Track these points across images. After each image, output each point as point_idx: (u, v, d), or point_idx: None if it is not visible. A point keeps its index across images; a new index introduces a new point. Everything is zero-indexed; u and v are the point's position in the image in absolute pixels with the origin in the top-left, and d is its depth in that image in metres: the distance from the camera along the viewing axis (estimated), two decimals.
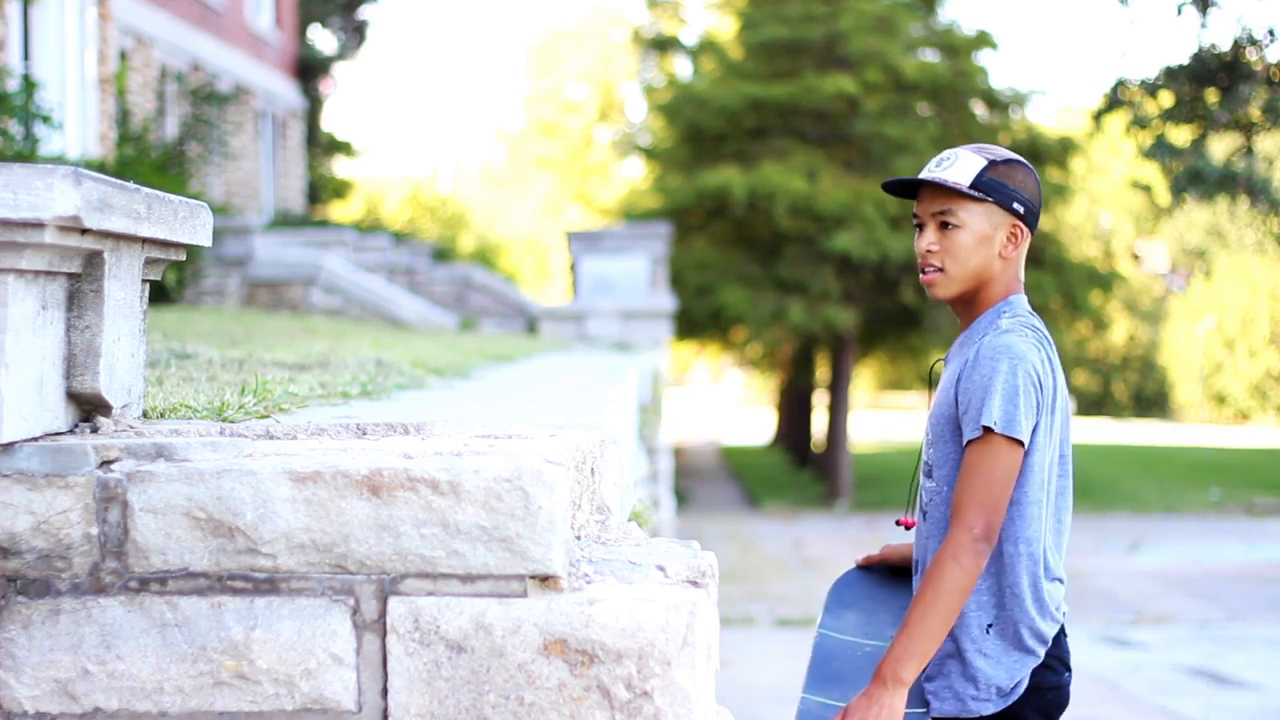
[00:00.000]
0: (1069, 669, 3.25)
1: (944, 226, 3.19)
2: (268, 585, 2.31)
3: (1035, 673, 3.18)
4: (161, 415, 2.91)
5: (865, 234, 24.64)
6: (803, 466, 32.81)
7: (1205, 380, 55.17)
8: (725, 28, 31.62)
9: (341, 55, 32.33)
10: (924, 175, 3.22)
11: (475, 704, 2.29)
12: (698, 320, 26.57)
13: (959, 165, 3.19)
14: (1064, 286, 26.46)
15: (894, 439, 43.80)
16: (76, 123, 14.38)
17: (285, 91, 27.19)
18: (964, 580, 3.04)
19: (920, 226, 3.23)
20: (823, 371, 30.12)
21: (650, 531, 5.23)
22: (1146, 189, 26.54)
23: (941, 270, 3.20)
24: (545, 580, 2.29)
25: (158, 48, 20.98)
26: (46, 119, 11.91)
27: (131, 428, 2.58)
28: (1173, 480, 30.10)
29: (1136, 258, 46.49)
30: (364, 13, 33.11)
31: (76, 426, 2.55)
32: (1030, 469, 3.15)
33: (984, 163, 3.18)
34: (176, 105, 21.26)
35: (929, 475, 3.26)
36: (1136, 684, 10.23)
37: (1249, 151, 24.43)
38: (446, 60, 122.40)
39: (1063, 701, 3.24)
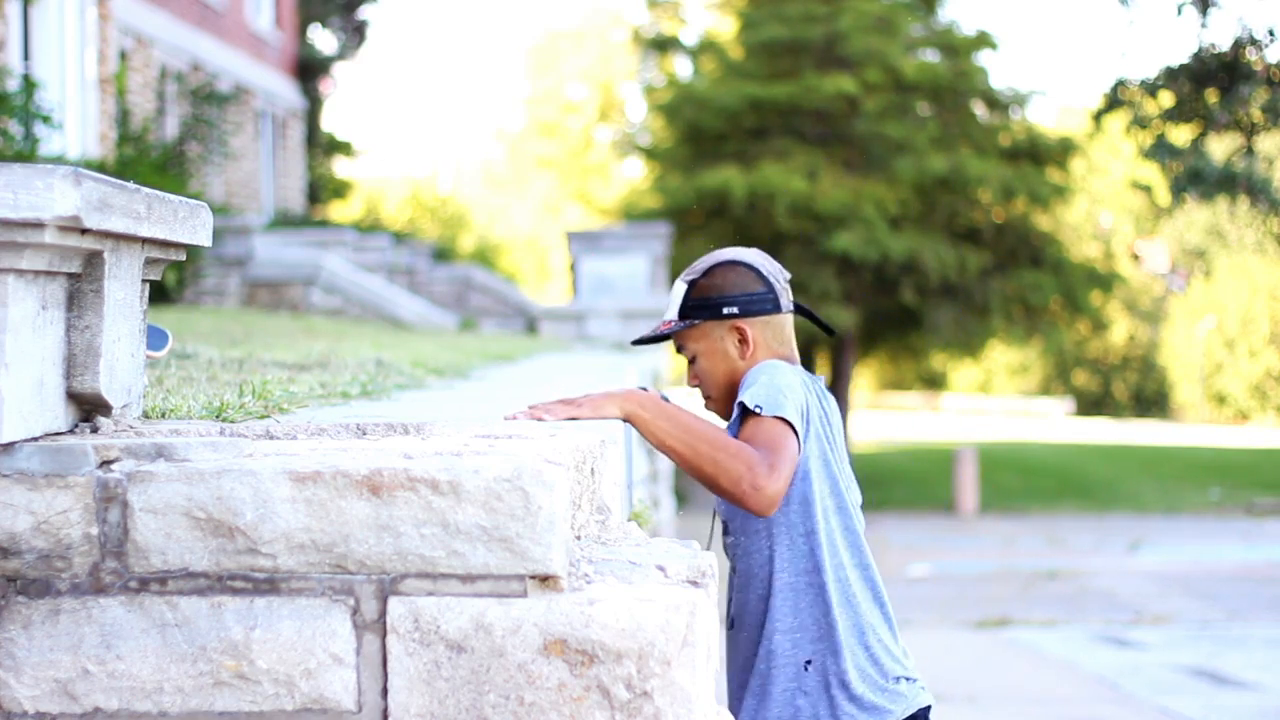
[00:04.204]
0: None
1: (692, 361, 3.29)
2: (268, 585, 2.31)
3: None
4: (162, 415, 2.91)
5: (865, 234, 24.64)
6: None
7: (1205, 380, 55.16)
8: (725, 28, 31.62)
9: (341, 55, 32.34)
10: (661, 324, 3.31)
11: (475, 704, 2.29)
12: None
13: (673, 299, 3.28)
14: (1064, 286, 26.45)
15: (894, 439, 43.81)
16: (76, 123, 14.38)
17: (285, 91, 27.19)
18: (729, 457, 2.91)
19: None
20: (823, 371, 30.14)
21: (650, 531, 5.23)
22: (1146, 189, 26.54)
23: (708, 394, 3.29)
24: (545, 580, 2.29)
25: (158, 48, 20.98)
26: (46, 119, 11.91)
27: (131, 428, 2.58)
28: (1173, 480, 30.10)
29: (1136, 258, 46.50)
30: (364, 13, 33.12)
31: (76, 426, 2.55)
32: (811, 498, 3.12)
33: (684, 287, 3.25)
34: (176, 105, 21.26)
35: (726, 531, 3.26)
36: (1136, 684, 10.23)
37: (1249, 151, 24.42)
38: (446, 60, 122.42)
39: None
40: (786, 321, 3.29)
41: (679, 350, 3.30)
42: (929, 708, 3.23)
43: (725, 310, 3.21)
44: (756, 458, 2.92)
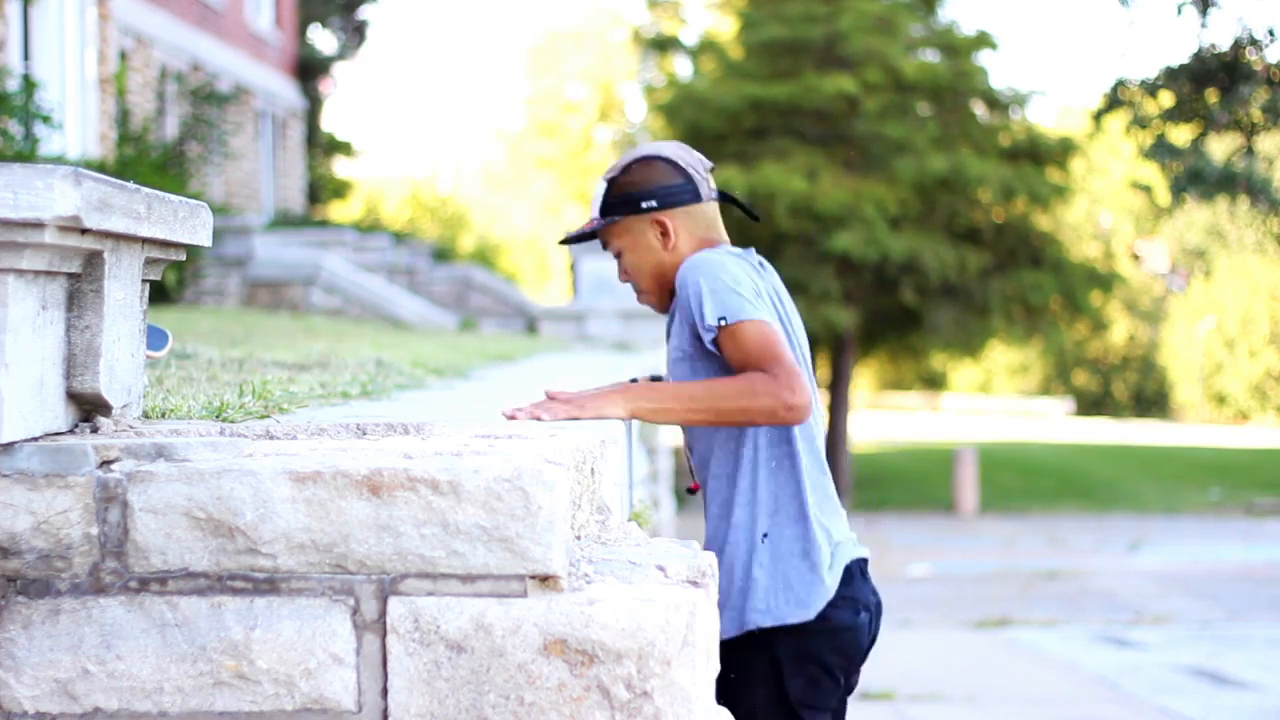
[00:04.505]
0: (866, 610, 3.28)
1: (618, 255, 3.35)
2: (268, 585, 2.31)
3: (829, 612, 3.21)
4: (162, 415, 2.91)
5: (865, 234, 24.64)
6: None
7: (1205, 380, 55.17)
8: (725, 28, 31.62)
9: (341, 55, 32.34)
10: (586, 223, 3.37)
11: (475, 704, 2.29)
12: None
13: (595, 198, 3.34)
14: (1064, 286, 26.44)
15: (894, 439, 43.81)
16: (76, 123, 14.38)
17: (285, 91, 27.19)
18: (750, 398, 3.01)
19: None
20: (823, 371, 30.14)
21: (650, 531, 5.23)
22: (1146, 189, 26.54)
23: (639, 289, 3.36)
24: (545, 580, 2.29)
25: (158, 48, 20.98)
26: (46, 119, 11.90)
27: (131, 428, 2.58)
28: (1173, 480, 30.10)
29: (1136, 258, 46.51)
30: (364, 13, 33.11)
31: (76, 426, 2.55)
32: None
33: (604, 185, 3.32)
34: (176, 105, 21.26)
35: (685, 439, 3.39)
36: (1136, 684, 10.23)
37: (1249, 151, 24.42)
38: (446, 60, 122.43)
39: (860, 644, 3.28)
40: (709, 209, 3.34)
41: (605, 247, 3.36)
42: (865, 560, 3.33)
43: (644, 204, 3.27)
44: (774, 384, 3.01)
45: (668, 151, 3.32)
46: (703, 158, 3.37)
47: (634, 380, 3.33)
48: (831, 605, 3.21)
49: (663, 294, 3.33)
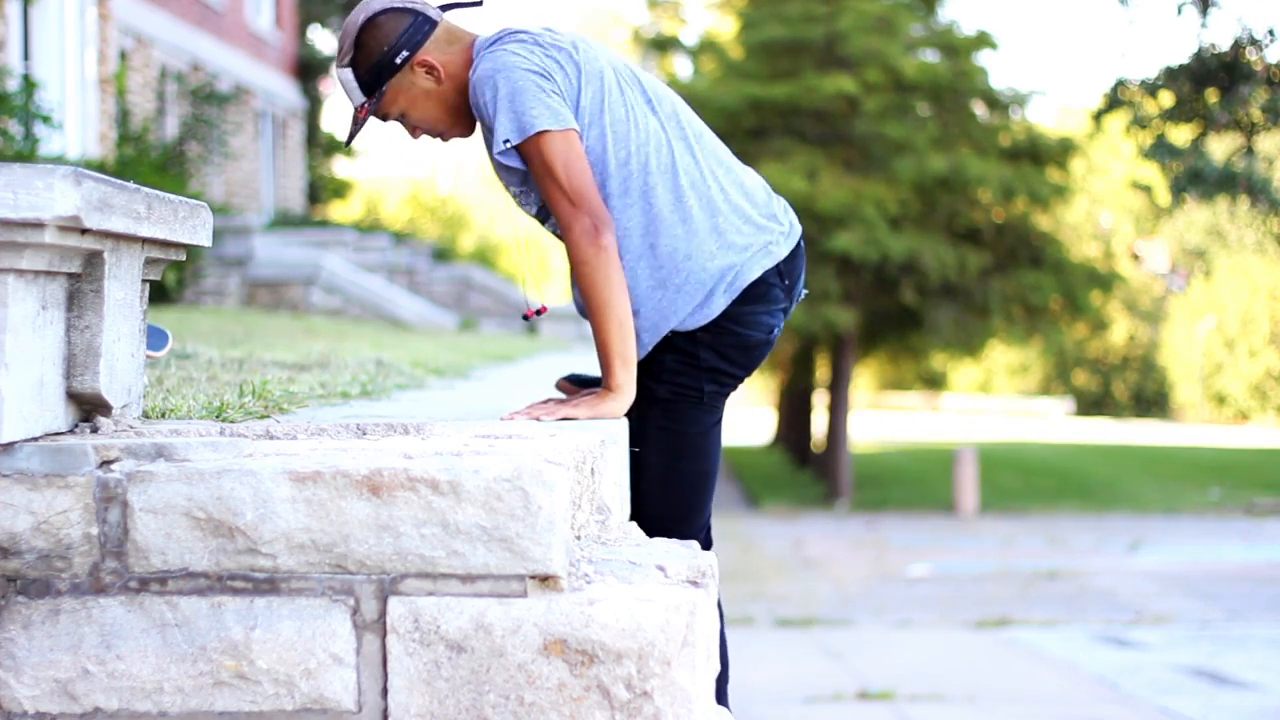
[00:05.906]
0: (776, 328, 3.35)
1: (402, 119, 3.29)
2: (268, 585, 2.31)
3: (738, 329, 3.27)
4: (161, 415, 2.91)
5: (865, 234, 24.63)
6: (803, 466, 32.81)
7: (1205, 380, 55.18)
8: (725, 28, 31.62)
9: None
10: (354, 114, 3.30)
11: (475, 704, 2.29)
12: None
13: (349, 88, 3.26)
14: (1064, 286, 26.43)
15: (894, 439, 43.81)
16: (76, 123, 14.38)
17: (285, 91, 27.19)
18: (603, 265, 3.08)
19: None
20: (823, 371, 30.14)
21: None
22: (1146, 189, 26.53)
23: (439, 134, 3.32)
24: (545, 580, 2.29)
25: (158, 48, 20.98)
26: (46, 119, 11.91)
27: (131, 428, 2.58)
28: (1173, 480, 30.11)
29: (1136, 258, 46.52)
30: None
31: (76, 426, 2.55)
32: (606, 137, 3.20)
33: (349, 71, 3.24)
34: (176, 105, 21.26)
35: (541, 218, 3.44)
36: (1136, 684, 10.23)
37: (1249, 151, 24.42)
38: None
39: (766, 352, 3.38)
40: (447, 24, 3.30)
41: (385, 119, 3.30)
42: (787, 259, 3.37)
43: (398, 60, 3.21)
44: (586, 249, 3.08)
45: (379, 4, 3.24)
46: None
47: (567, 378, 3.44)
48: (739, 323, 3.26)
49: (463, 120, 3.29)
